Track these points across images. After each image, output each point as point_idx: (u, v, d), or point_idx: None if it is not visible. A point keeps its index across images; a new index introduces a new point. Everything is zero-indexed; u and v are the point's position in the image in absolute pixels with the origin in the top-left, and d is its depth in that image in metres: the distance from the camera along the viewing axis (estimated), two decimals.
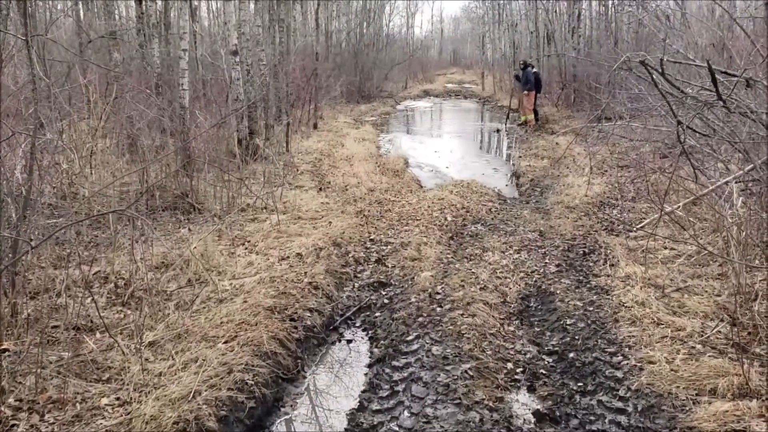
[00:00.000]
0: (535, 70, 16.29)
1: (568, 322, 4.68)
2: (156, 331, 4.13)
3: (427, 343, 4.34)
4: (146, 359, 3.75)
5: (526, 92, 15.88)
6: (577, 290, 5.29)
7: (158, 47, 11.27)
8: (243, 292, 4.85)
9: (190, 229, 6.33)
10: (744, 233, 4.78)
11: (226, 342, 4.07)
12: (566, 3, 20.34)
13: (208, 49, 14.82)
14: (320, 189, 8.64)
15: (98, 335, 4.03)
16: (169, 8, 13.63)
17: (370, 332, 4.77)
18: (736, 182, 5.18)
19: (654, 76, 3.84)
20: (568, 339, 4.46)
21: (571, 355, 4.24)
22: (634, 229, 6.38)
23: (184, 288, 4.92)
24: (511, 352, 4.27)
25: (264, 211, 7.15)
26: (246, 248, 5.98)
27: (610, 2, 19.65)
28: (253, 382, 3.71)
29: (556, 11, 22.15)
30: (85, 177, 6.59)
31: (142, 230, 5.83)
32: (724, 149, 6.02)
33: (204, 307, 4.61)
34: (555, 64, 19.31)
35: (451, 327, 4.52)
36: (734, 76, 3.92)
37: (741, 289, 4.41)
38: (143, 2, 11.93)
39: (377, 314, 5.02)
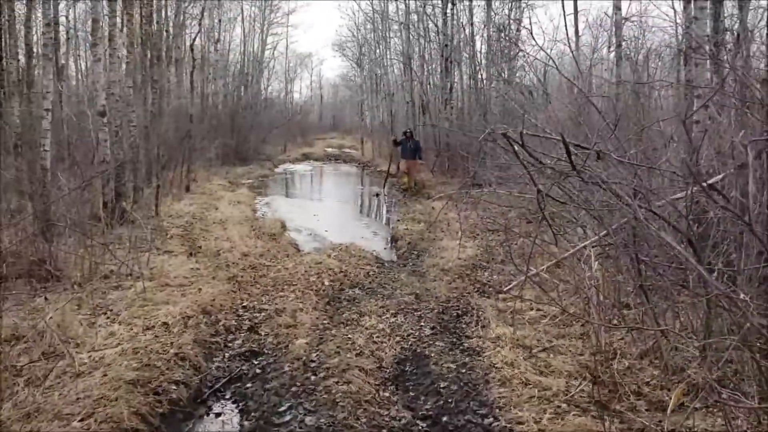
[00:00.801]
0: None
1: (441, 385, 4.70)
2: (1, 412, 3.73)
3: (301, 414, 4.21)
4: None
5: (413, 160, 16.40)
6: (450, 352, 5.35)
7: (19, 106, 10.66)
8: (103, 365, 4.51)
9: (46, 298, 5.86)
10: (602, 295, 5.08)
11: (81, 420, 3.75)
12: (440, 76, 21.41)
13: (74, 109, 14.18)
14: (191, 254, 8.33)
15: None
16: (33, 66, 13.00)
17: (240, 404, 4.55)
18: (593, 246, 5.52)
19: (516, 148, 4.05)
20: (442, 402, 4.47)
21: (445, 418, 4.24)
22: (503, 291, 6.61)
23: (37, 362, 4.50)
24: (386, 419, 4.21)
25: (129, 278, 6.77)
26: (108, 318, 5.60)
27: (480, 77, 20.93)
28: None
29: (430, 83, 23.27)
30: None
31: None
32: (582, 215, 6.42)
33: (59, 383, 4.23)
34: (430, 133, 20.11)
35: (325, 396, 4.41)
36: (586, 148, 4.22)
37: (601, 348, 4.64)
38: (3, 59, 11.32)
39: (248, 385, 4.81)
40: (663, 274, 4.64)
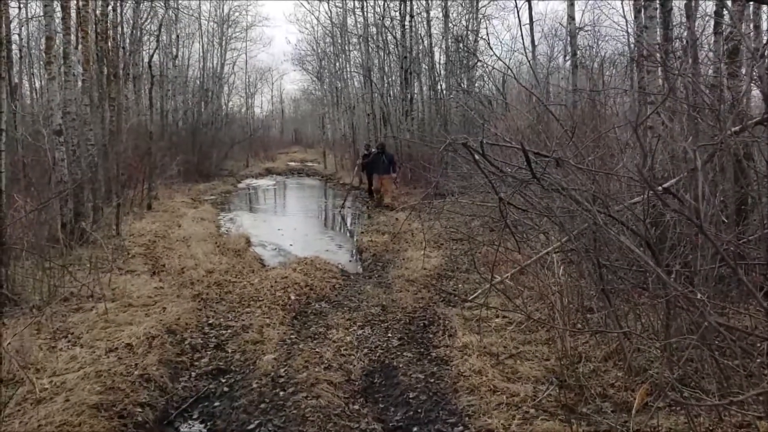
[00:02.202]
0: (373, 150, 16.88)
1: (411, 396, 4.72)
2: None
3: (270, 431, 4.17)
4: None
5: (388, 175, 16.08)
6: (419, 362, 5.37)
7: None
8: (65, 390, 4.41)
9: (4, 323, 5.69)
10: (566, 299, 5.15)
11: None
12: (400, 87, 21.57)
13: (29, 128, 13.88)
14: (154, 273, 8.20)
15: None
16: None
17: (208, 424, 4.49)
18: (555, 252, 5.61)
19: (476, 157, 4.10)
20: (412, 413, 4.48)
21: (415, 429, 4.25)
22: (469, 299, 6.66)
23: None
24: None
25: (90, 299, 6.63)
26: (69, 341, 5.47)
27: (439, 87, 21.15)
28: None
29: (390, 95, 23.42)
30: None
31: None
32: (544, 222, 6.51)
33: (19, 410, 4.12)
34: (392, 144, 20.22)
35: (294, 411, 4.38)
36: (546, 156, 4.29)
37: (566, 352, 4.71)
38: None
39: (216, 404, 4.75)
40: (624, 278, 4.74)
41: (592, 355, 4.80)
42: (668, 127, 5.68)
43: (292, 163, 37.37)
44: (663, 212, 4.61)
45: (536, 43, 17.33)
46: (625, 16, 20.97)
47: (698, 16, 8.07)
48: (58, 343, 5.41)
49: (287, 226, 14.23)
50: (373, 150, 17.17)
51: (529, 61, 15.94)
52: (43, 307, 6.27)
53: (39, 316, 5.93)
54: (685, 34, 8.06)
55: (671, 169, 5.23)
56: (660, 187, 3.72)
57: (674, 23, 8.19)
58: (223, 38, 33.44)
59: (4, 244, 6.74)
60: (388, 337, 6.08)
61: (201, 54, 31.22)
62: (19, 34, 20.71)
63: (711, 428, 3.54)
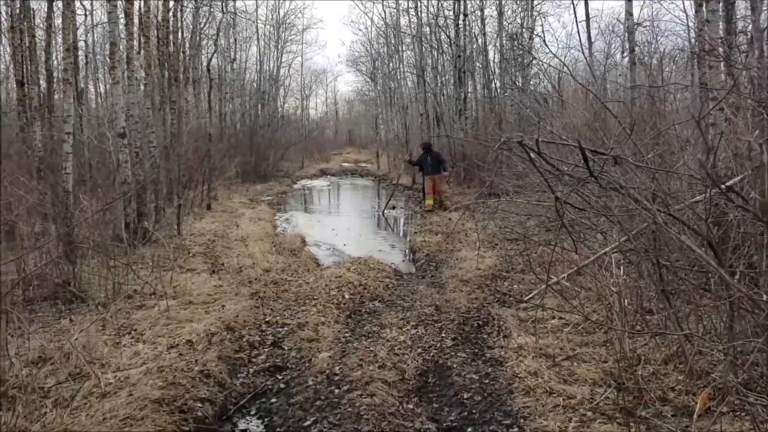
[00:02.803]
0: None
1: (465, 396, 4.70)
2: None
3: (325, 428, 4.22)
4: None
5: (438, 175, 15.48)
6: (473, 363, 5.35)
7: (41, 130, 10.86)
8: (128, 385, 4.56)
9: (71, 320, 5.94)
10: (625, 301, 5.05)
11: None
12: (453, 87, 21.48)
13: (94, 131, 14.42)
14: (213, 271, 8.41)
15: None
16: (53, 91, 13.26)
17: (265, 420, 4.57)
18: (614, 252, 5.50)
19: (532, 155, 4.06)
20: (466, 413, 4.46)
21: (470, 429, 4.24)
22: (524, 300, 6.59)
23: (64, 383, 4.57)
24: (411, 431, 4.22)
25: (153, 297, 6.85)
26: (132, 337, 5.66)
27: (494, 86, 20.97)
28: None
29: (444, 94, 23.35)
30: None
31: (18, 324, 5.42)
32: (602, 221, 6.40)
33: (85, 403, 4.28)
34: (445, 144, 20.15)
35: (350, 409, 4.42)
36: (603, 154, 4.21)
37: (625, 355, 4.62)
38: (25, 85, 11.55)
39: (273, 400, 4.84)
40: (685, 278, 4.61)
41: (652, 358, 4.69)
42: (732, 123, 5.50)
43: (346, 164, 37.69)
44: (726, 211, 4.47)
45: (593, 39, 16.99)
46: (685, 11, 20.35)
47: (763, 9, 7.77)
48: (122, 339, 5.61)
49: (341, 226, 14.35)
50: (416, 154, 16.88)
51: (585, 58, 15.66)
52: (108, 304, 6.51)
53: (104, 313, 6.16)
54: (750, 27, 7.78)
55: (735, 166, 5.07)
56: (724, 185, 3.61)
57: (738, 16, 7.93)
58: (279, 41, 34.03)
59: (72, 243, 7.02)
60: (442, 337, 6.07)
61: (258, 57, 31.81)
62: (85, 41, 21.54)
63: None
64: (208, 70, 18.36)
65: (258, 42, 31.83)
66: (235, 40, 27.60)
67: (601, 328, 5.37)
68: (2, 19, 17.65)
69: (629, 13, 13.63)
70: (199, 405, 4.54)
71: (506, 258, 8.85)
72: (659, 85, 11.48)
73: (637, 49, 14.81)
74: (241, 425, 4.56)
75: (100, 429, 3.88)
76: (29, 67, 12.26)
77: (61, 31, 11.02)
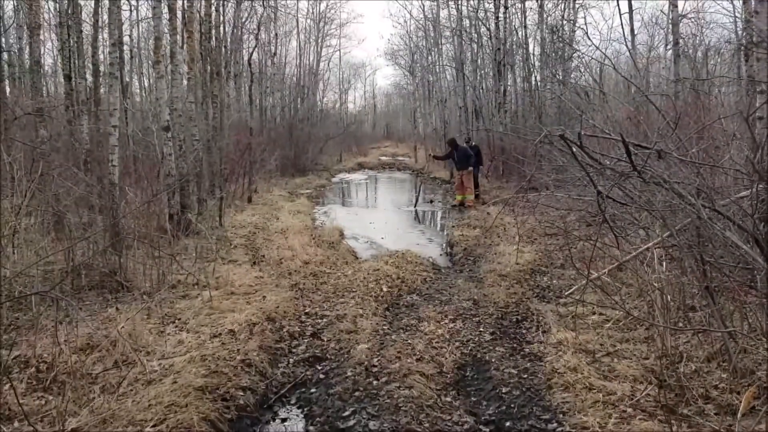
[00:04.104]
0: (472, 143, 16.37)
1: (503, 391, 4.70)
2: (80, 417, 3.91)
3: (364, 419, 4.27)
4: None
5: (467, 170, 15.21)
6: (511, 358, 5.34)
7: (87, 123, 11.15)
8: (173, 372, 4.67)
9: (117, 308, 6.11)
10: (667, 297, 4.98)
11: (154, 426, 3.89)
12: (493, 80, 21.32)
13: (139, 125, 14.73)
14: (254, 263, 8.54)
15: (16, 424, 3.79)
16: (100, 85, 13.57)
17: (305, 409, 4.65)
18: (656, 248, 5.43)
19: (573, 149, 4.03)
20: (504, 407, 4.47)
21: (508, 424, 4.24)
22: (564, 295, 6.54)
23: (111, 370, 4.71)
24: (449, 424, 4.24)
25: (195, 287, 7.00)
26: (176, 326, 5.80)
27: (534, 79, 20.74)
28: None
29: (483, 87, 23.19)
30: (7, 257, 6.33)
31: (67, 311, 5.60)
32: (644, 216, 6.31)
33: (131, 390, 4.41)
34: (484, 138, 20.03)
35: (388, 400, 4.46)
36: (647, 148, 4.15)
37: (666, 351, 4.56)
38: (73, 79, 11.85)
39: (313, 390, 4.91)
40: (729, 275, 4.53)
41: (694, 355, 4.62)
42: None
43: (384, 158, 37.75)
44: None
45: (636, 32, 16.69)
46: (732, 2, 19.83)
47: None
48: (166, 327, 5.75)
49: (378, 219, 14.40)
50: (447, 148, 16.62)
51: (629, 50, 15.39)
52: (152, 293, 6.67)
53: (149, 302, 6.31)
54: None
55: None
56: None
57: None
58: (319, 35, 34.20)
59: (119, 234, 7.21)
60: (480, 331, 6.07)
61: (297, 51, 32.05)
62: (129, 35, 21.99)
63: None
64: (249, 64, 18.58)
65: (298, 36, 32.09)
66: (276, 34, 27.83)
67: (643, 325, 5.30)
68: (51, 15, 18.14)
69: (674, 4, 13.33)
70: (241, 393, 4.64)
71: (546, 253, 8.78)
72: (704, 78, 11.23)
73: (681, 41, 14.48)
74: (282, 414, 4.64)
75: (145, 415, 3.99)
76: (76, 62, 12.57)
77: (107, 27, 11.29)
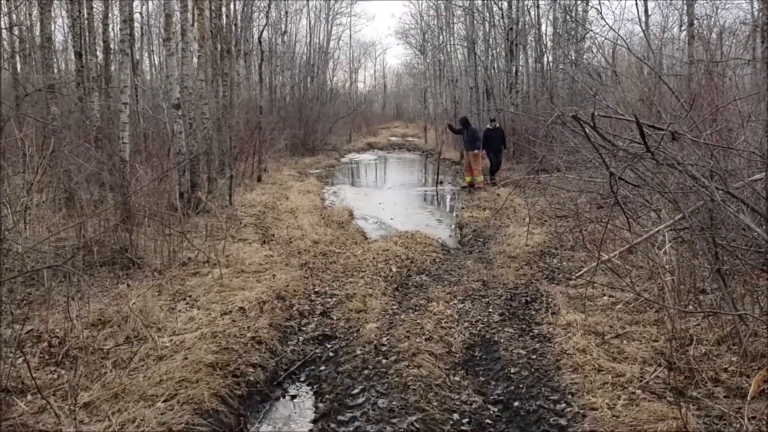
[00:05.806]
0: (496, 125, 16.00)
1: (512, 371, 4.71)
2: (92, 392, 3.96)
3: (373, 396, 4.30)
4: (81, 421, 3.59)
5: (474, 152, 15.04)
6: (520, 339, 5.35)
7: (98, 101, 11.15)
8: (183, 349, 4.72)
9: (129, 285, 6.16)
10: (677, 279, 4.96)
11: (165, 401, 3.93)
12: (504, 60, 21.14)
13: (149, 102, 14.73)
14: (264, 242, 8.57)
15: (29, 397, 3.84)
16: (110, 62, 13.55)
17: (315, 387, 4.69)
18: (668, 230, 5.40)
19: (586, 130, 3.99)
20: (513, 388, 4.48)
21: (516, 403, 4.26)
22: (574, 277, 6.53)
23: (122, 345, 4.76)
24: (457, 403, 4.27)
25: (206, 265, 7.03)
26: (187, 303, 5.84)
27: (546, 60, 20.55)
28: None
29: (494, 68, 23.00)
30: (19, 232, 6.38)
31: (78, 286, 5.65)
32: (656, 199, 6.27)
33: (143, 365, 4.45)
34: (496, 117, 19.87)
35: (396, 379, 4.48)
36: (661, 129, 4.12)
37: (676, 334, 4.56)
38: (83, 56, 11.84)
39: (322, 368, 4.95)
40: (741, 258, 4.51)
41: (704, 338, 4.62)
42: None
43: (393, 138, 37.65)
44: None
45: (650, 12, 16.48)
46: None
47: None
48: (177, 304, 5.79)
49: (388, 200, 14.39)
50: (458, 125, 16.31)
51: (643, 30, 15.21)
52: (163, 270, 6.71)
53: (160, 279, 6.36)
54: None
55: None
56: None
57: None
58: (330, 13, 33.96)
59: (130, 211, 7.24)
60: (489, 312, 6.08)
61: (308, 29, 31.90)
62: (140, 12, 21.91)
63: None
64: (260, 42, 18.46)
65: (308, 14, 31.91)
66: (286, 12, 27.68)
67: (653, 307, 5.29)
68: None
69: None
70: (251, 370, 4.67)
71: (556, 235, 8.76)
72: (719, 60, 11.10)
73: (696, 22, 14.28)
74: (292, 391, 4.69)
75: (156, 390, 4.03)
76: (87, 39, 12.54)
77: (118, 3, 11.24)
